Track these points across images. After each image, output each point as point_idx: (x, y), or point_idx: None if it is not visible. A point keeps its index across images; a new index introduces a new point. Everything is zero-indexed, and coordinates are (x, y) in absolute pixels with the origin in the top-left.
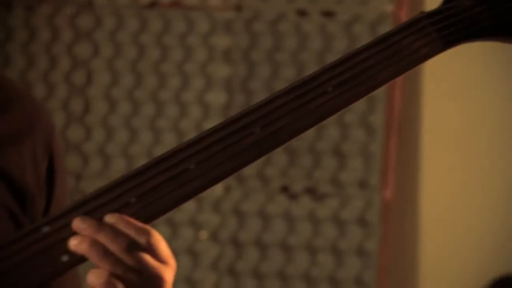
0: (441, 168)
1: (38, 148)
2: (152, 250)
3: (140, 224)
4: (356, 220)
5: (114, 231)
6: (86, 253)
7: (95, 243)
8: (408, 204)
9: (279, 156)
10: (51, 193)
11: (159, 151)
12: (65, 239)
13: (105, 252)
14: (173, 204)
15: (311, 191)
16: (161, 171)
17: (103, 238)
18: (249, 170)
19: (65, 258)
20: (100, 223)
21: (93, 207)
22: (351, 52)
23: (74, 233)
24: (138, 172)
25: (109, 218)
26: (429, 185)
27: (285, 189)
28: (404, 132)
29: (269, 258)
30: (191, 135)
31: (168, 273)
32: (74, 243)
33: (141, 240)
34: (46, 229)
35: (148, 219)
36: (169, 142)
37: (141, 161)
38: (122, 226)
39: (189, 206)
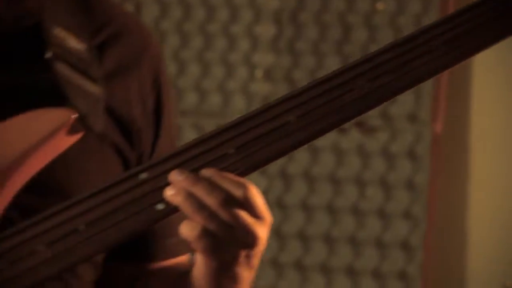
0: (492, 100)
1: (145, 81)
2: (248, 205)
3: (237, 178)
4: (405, 153)
5: (211, 185)
6: (181, 205)
7: (190, 196)
8: (458, 137)
9: None
10: (159, 128)
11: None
12: (162, 188)
13: (200, 206)
14: (271, 157)
15: (360, 124)
16: (261, 123)
17: (199, 191)
18: None
19: (160, 206)
20: (197, 176)
21: (192, 155)
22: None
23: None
24: (238, 123)
25: (206, 172)
26: (479, 118)
27: None
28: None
29: (316, 191)
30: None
31: (262, 230)
32: (169, 193)
33: (238, 193)
34: (143, 175)
35: (245, 172)
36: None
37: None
38: (218, 180)
39: None
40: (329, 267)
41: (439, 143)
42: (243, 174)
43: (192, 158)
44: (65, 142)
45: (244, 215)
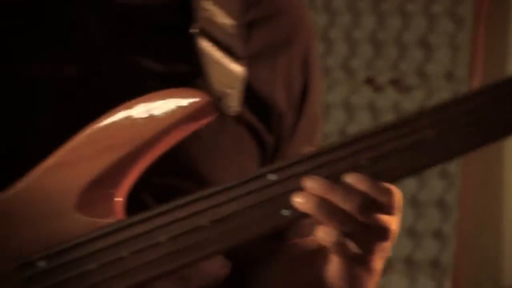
0: None
1: (294, 63)
2: (389, 208)
3: (383, 185)
4: None
5: (347, 191)
6: (312, 213)
7: (322, 204)
8: None
9: (364, 47)
10: (302, 112)
11: None
12: (290, 192)
13: (333, 212)
14: (404, 174)
15: (396, 83)
16: (397, 136)
17: (334, 198)
18: (333, 61)
19: (286, 212)
20: (332, 184)
21: (323, 162)
22: None
23: (300, 186)
24: (373, 132)
25: (350, 178)
26: None
27: (370, 81)
28: (493, 22)
29: None
30: None
31: (395, 224)
32: (298, 201)
33: (382, 199)
34: (272, 177)
35: None
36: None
37: None
38: (363, 185)
39: None
40: None
41: None
42: None
43: (324, 164)
44: (198, 123)
45: (381, 216)
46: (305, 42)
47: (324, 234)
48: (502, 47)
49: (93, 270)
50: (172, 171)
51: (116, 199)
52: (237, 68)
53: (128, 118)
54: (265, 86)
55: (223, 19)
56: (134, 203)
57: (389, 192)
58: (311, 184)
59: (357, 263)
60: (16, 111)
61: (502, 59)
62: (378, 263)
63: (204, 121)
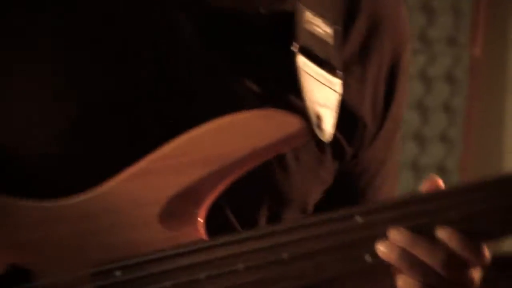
0: None
1: (382, 70)
2: (474, 265)
3: (474, 244)
4: (443, 77)
5: (432, 246)
6: (394, 263)
7: (405, 256)
8: (497, 61)
9: None
10: (384, 120)
11: None
12: (375, 238)
13: (416, 265)
14: (496, 235)
15: None
16: (488, 196)
17: (418, 251)
18: None
19: (368, 258)
20: (416, 238)
21: (412, 211)
22: None
23: (385, 233)
24: (465, 189)
25: (441, 233)
26: None
27: None
28: None
29: None
30: None
31: (479, 276)
32: (382, 250)
33: (469, 257)
34: (359, 219)
35: None
36: None
37: None
38: (453, 242)
39: None
40: None
41: (478, 66)
42: None
43: (412, 214)
44: (289, 147)
45: (466, 271)
46: (397, 46)
47: (404, 285)
48: (504, 13)
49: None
50: (252, 188)
51: (201, 213)
52: (333, 83)
53: (223, 133)
54: (354, 98)
55: (323, 28)
56: (216, 219)
57: (479, 252)
58: (395, 235)
59: None
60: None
61: (504, 25)
62: None
63: (295, 145)
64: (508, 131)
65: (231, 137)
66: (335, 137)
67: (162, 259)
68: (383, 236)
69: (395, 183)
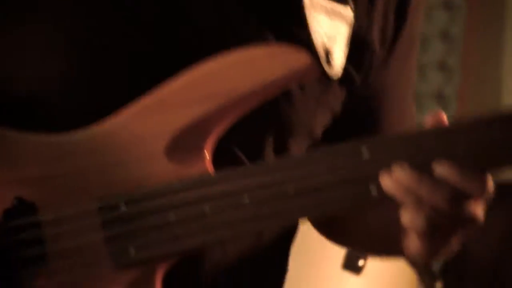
0: None
1: (391, 3)
2: (478, 199)
3: (475, 175)
4: (441, 4)
5: (435, 184)
6: (400, 199)
7: (409, 193)
8: None
9: None
10: (394, 45)
11: None
12: (380, 171)
13: (420, 202)
14: (501, 164)
15: None
16: (497, 128)
17: (421, 190)
18: None
19: (374, 191)
20: (420, 176)
21: (424, 146)
22: None
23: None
24: (473, 123)
25: (440, 169)
26: None
27: None
28: None
29: None
30: None
31: (482, 211)
32: (386, 184)
33: (475, 193)
34: (366, 153)
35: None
36: None
37: None
38: (452, 177)
39: None
40: None
41: None
42: None
43: (424, 149)
44: (295, 83)
45: (470, 206)
46: None
47: (408, 219)
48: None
49: (172, 221)
50: (258, 123)
51: (207, 148)
52: (344, 13)
53: (230, 69)
54: (362, 25)
55: None
56: (222, 154)
57: (482, 183)
58: (400, 173)
59: (439, 244)
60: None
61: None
62: (457, 242)
63: (303, 81)
64: (506, 58)
65: (238, 72)
66: (344, 66)
67: (167, 192)
68: (388, 170)
69: (410, 107)
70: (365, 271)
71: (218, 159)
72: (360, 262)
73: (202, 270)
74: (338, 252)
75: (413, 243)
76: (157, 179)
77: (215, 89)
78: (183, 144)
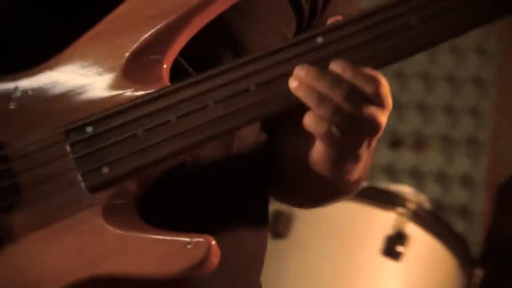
0: None
1: None
2: (376, 99)
3: (369, 72)
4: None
5: (335, 80)
6: (303, 98)
7: (311, 91)
8: None
9: None
10: None
11: None
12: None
13: (322, 100)
14: (396, 58)
15: None
16: (385, 20)
17: (321, 86)
18: None
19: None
20: (319, 73)
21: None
22: None
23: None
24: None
25: (335, 66)
26: None
27: None
28: None
29: None
30: None
31: (384, 117)
32: (292, 85)
33: (367, 89)
34: (319, 40)
35: (377, 66)
36: None
37: None
38: (347, 74)
39: None
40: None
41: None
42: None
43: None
44: None
45: (369, 107)
46: None
47: (311, 122)
48: None
49: (139, 135)
50: (211, 41)
51: (163, 65)
52: None
53: None
54: None
55: None
56: (175, 72)
57: (374, 79)
58: (298, 71)
59: (342, 153)
60: None
61: None
62: (364, 153)
63: None
64: None
65: None
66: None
67: (130, 108)
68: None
69: None
70: (404, 258)
71: (174, 78)
72: (399, 249)
73: (175, 183)
74: (377, 238)
75: (316, 149)
76: (118, 100)
77: (163, 7)
78: (140, 63)
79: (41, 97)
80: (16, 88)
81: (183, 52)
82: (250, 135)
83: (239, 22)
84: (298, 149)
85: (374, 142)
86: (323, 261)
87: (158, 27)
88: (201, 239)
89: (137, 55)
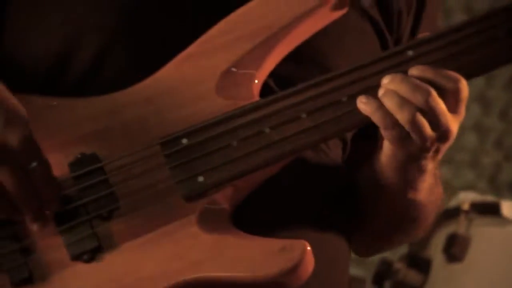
0: None
1: None
2: (453, 99)
3: (449, 72)
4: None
5: (417, 83)
6: (385, 103)
7: (392, 95)
8: None
9: None
10: (420, 13)
11: None
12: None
13: (403, 104)
14: (483, 69)
15: None
16: (472, 33)
17: (402, 90)
18: None
19: None
20: (405, 76)
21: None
22: None
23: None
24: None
25: (415, 70)
26: None
27: None
28: None
29: None
30: None
31: (456, 125)
32: (380, 93)
33: (449, 85)
34: (410, 53)
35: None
36: None
37: None
38: (429, 74)
39: None
40: None
41: None
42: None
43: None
44: (329, 16)
45: (446, 114)
46: None
47: (379, 116)
48: None
49: (234, 145)
50: (298, 64)
51: (254, 82)
52: None
53: (264, 6)
54: None
55: None
56: (262, 94)
57: (455, 77)
58: (385, 80)
59: (408, 161)
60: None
61: None
62: (429, 164)
63: (335, 14)
64: None
65: (273, 8)
66: (375, 17)
67: (225, 120)
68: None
69: None
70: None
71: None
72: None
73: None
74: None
75: (385, 152)
76: (211, 115)
77: (254, 27)
78: (232, 80)
79: (137, 113)
80: (114, 106)
81: (271, 74)
82: (335, 147)
83: (328, 48)
84: (365, 171)
85: (440, 155)
86: (501, 285)
87: (248, 47)
88: (297, 243)
89: (229, 73)
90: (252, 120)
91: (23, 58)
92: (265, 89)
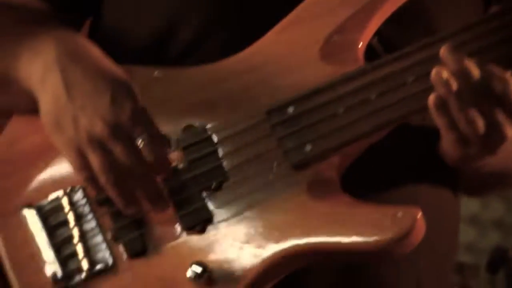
0: None
1: None
2: (504, 102)
3: (501, 72)
4: None
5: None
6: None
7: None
8: None
9: None
10: None
11: None
12: None
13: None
14: None
15: None
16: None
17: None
18: None
19: None
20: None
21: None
22: None
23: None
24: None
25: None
26: None
27: None
28: None
29: None
30: None
31: (511, 131)
32: (431, 98)
33: (497, 87)
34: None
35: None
36: None
37: None
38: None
39: None
40: None
41: None
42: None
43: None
44: None
45: (498, 113)
46: None
47: (441, 120)
48: None
49: (340, 112)
50: (403, 25)
51: (358, 46)
52: None
53: None
54: None
55: None
56: (367, 56)
57: (504, 81)
58: (445, 53)
59: (465, 159)
60: None
61: None
62: (485, 158)
63: None
64: None
65: None
66: None
67: (329, 88)
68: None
69: None
70: None
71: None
72: None
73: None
74: None
75: (444, 141)
76: (316, 81)
77: None
78: (335, 45)
79: (241, 82)
80: (217, 75)
81: (374, 36)
82: None
83: (433, 6)
84: None
85: (496, 152)
86: None
87: (350, 12)
88: (409, 210)
89: (333, 38)
90: (358, 86)
91: (125, 36)
92: (369, 50)
